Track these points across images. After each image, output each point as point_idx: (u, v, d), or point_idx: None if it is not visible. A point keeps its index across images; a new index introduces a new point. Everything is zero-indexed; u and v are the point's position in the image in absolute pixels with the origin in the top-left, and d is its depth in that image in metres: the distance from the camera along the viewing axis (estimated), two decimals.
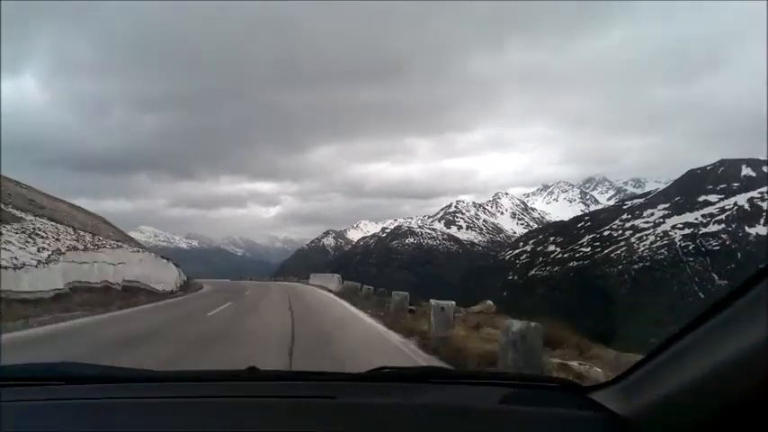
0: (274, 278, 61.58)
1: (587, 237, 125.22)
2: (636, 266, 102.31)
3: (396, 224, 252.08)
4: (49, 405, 1.25)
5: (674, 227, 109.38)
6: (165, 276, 26.37)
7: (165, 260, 28.06)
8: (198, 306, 17.87)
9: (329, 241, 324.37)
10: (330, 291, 27.45)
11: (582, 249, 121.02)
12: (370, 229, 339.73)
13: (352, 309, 17.15)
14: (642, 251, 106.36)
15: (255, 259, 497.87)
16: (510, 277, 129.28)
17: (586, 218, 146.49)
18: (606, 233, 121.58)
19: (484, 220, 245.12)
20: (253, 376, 1.52)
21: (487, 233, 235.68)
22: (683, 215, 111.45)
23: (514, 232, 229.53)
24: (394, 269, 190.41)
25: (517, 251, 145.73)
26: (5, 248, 14.55)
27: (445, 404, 1.37)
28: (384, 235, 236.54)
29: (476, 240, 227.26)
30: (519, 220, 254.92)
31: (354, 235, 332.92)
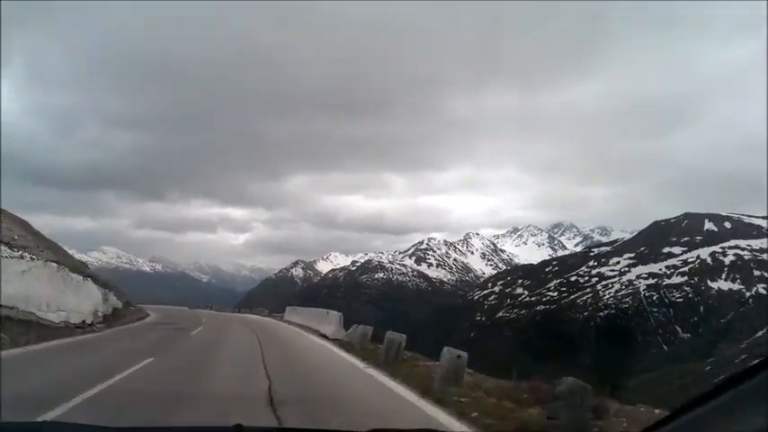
0: (238, 309, 49.36)
1: (555, 281, 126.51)
2: (601, 314, 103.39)
3: (366, 258, 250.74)
4: None
5: (638, 276, 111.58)
6: (74, 300, 17.37)
7: (80, 276, 19.59)
8: (70, 373, 8.84)
9: (298, 272, 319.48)
10: (324, 337, 17.67)
11: (549, 293, 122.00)
12: (340, 261, 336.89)
13: (426, 405, 7.20)
14: (607, 299, 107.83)
15: (221, 287, 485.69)
16: (478, 318, 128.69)
17: (554, 262, 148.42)
18: (573, 279, 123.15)
19: (454, 259, 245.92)
20: None
21: (457, 272, 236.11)
22: (648, 265, 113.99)
23: (483, 273, 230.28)
24: (362, 303, 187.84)
25: (486, 292, 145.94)
26: None
27: None
28: (354, 268, 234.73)
29: (445, 279, 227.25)
30: (488, 260, 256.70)
31: (324, 267, 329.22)
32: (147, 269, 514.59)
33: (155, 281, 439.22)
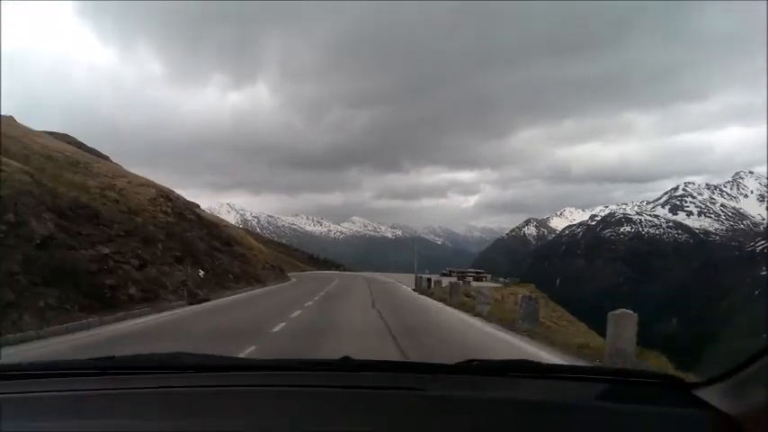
0: (481, 276, 29.85)
1: None
2: None
3: (607, 211, 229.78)
4: (156, 393, 1.32)
5: None
6: None
7: None
8: None
9: (530, 230, 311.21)
10: None
11: None
12: (576, 217, 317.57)
13: None
14: None
15: (454, 248, 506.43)
16: (764, 272, 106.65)
17: None
18: None
19: (721, 205, 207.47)
20: (344, 366, 1.51)
21: (726, 220, 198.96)
22: None
23: (763, 218, 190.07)
24: (606, 261, 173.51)
25: None
26: None
27: (538, 399, 1.27)
28: (593, 223, 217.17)
29: (711, 228, 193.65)
30: None
31: (558, 223, 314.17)
32: (389, 235, 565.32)
33: (396, 245, 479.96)
